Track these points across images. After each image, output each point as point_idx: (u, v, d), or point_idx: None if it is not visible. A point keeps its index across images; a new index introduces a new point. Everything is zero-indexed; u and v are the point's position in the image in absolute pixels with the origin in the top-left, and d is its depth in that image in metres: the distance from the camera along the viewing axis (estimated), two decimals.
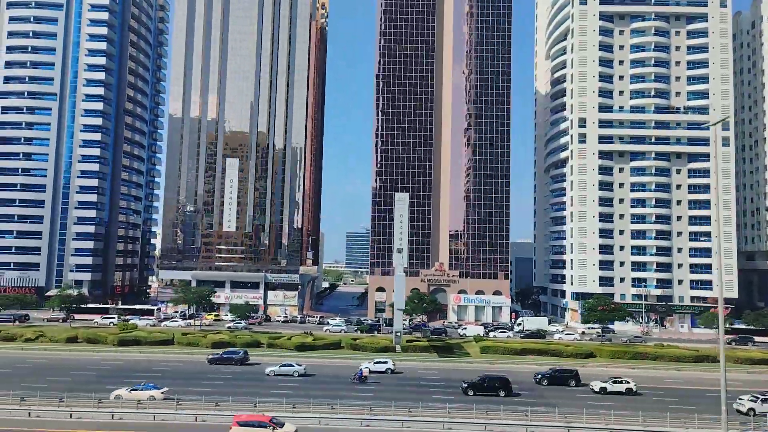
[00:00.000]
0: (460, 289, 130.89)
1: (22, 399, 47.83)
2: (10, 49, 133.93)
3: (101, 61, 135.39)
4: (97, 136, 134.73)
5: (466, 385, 57.39)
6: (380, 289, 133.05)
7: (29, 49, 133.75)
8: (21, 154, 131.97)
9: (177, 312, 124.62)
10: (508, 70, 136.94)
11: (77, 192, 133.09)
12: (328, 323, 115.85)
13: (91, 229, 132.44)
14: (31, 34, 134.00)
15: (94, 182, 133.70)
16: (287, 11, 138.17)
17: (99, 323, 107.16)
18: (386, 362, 68.55)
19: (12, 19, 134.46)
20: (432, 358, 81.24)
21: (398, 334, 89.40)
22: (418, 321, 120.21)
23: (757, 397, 52.83)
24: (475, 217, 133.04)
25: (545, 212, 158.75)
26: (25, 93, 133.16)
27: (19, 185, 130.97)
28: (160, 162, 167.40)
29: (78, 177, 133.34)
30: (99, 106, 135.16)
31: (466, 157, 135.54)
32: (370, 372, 64.57)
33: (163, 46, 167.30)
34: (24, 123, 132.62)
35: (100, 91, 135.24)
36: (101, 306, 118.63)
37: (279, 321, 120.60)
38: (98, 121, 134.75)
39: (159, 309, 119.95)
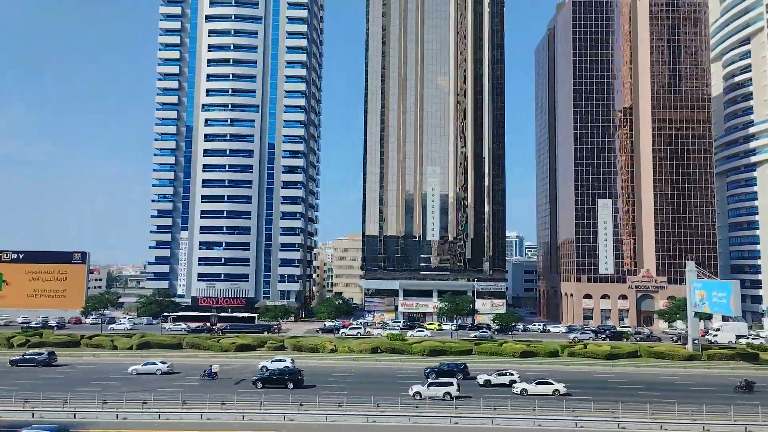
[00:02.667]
0: (669, 295, 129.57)
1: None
2: (211, 62, 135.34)
3: (301, 72, 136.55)
4: (300, 147, 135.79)
5: (255, 379, 59.37)
6: (587, 296, 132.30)
7: (231, 62, 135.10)
8: (227, 166, 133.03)
9: (382, 322, 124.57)
10: (708, 73, 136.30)
11: (282, 203, 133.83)
12: (557, 332, 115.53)
13: (297, 239, 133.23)
14: (232, 47, 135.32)
15: (299, 192, 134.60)
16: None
17: (347, 333, 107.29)
18: (284, 360, 69.28)
19: (212, 32, 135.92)
20: (743, 366, 79.95)
21: (696, 341, 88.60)
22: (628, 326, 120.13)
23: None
24: (680, 222, 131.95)
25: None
26: (229, 105, 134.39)
27: (226, 197, 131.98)
28: (319, 171, 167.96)
29: (282, 188, 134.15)
30: (300, 116, 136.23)
31: (664, 160, 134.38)
32: (268, 370, 65.92)
33: (321, 56, 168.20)
34: (228, 135, 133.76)
35: (301, 102, 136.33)
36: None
37: (496, 328, 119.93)
38: (300, 131, 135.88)
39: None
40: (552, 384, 57.52)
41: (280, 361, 69.35)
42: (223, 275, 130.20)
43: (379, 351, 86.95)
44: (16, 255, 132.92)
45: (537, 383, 57.84)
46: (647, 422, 45.54)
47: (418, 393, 53.70)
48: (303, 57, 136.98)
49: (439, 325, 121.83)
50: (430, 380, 55.93)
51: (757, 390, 59.95)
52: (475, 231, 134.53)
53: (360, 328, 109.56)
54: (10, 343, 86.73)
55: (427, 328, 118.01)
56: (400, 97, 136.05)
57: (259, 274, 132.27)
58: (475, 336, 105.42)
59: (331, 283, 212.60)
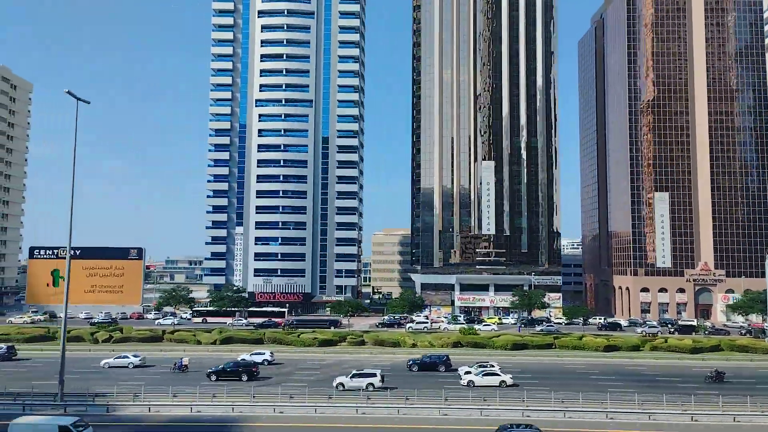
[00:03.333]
0: (728, 288, 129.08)
1: None
2: (264, 58, 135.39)
3: (354, 67, 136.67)
4: (354, 141, 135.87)
5: (210, 371, 59.09)
6: (644, 290, 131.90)
7: (284, 57, 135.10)
8: (281, 161, 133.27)
9: (442, 316, 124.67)
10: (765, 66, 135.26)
11: (337, 198, 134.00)
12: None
13: (353, 234, 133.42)
14: (285, 42, 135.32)
15: (354, 187, 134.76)
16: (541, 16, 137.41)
17: (413, 328, 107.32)
18: (263, 353, 69.98)
19: (264, 27, 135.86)
20: None
21: None
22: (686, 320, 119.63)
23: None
24: (737, 215, 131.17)
25: None
26: (283, 100, 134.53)
27: (281, 192, 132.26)
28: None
29: (337, 183, 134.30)
30: (354, 111, 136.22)
31: (721, 151, 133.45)
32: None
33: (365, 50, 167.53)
34: (283, 130, 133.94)
35: (355, 96, 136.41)
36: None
37: (561, 323, 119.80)
38: (354, 126, 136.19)
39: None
40: (499, 375, 57.63)
41: (259, 354, 69.36)
42: (279, 270, 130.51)
43: (460, 345, 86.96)
44: (73, 251, 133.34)
45: (484, 374, 57.89)
46: None
47: (342, 384, 53.69)
48: (356, 51, 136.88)
49: (499, 319, 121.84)
50: (354, 371, 56.41)
51: (727, 380, 60.30)
52: (530, 225, 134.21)
53: (426, 322, 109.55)
54: (94, 338, 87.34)
55: (489, 323, 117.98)
56: (453, 91, 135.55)
57: (315, 269, 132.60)
58: (542, 330, 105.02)
59: (369, 277, 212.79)
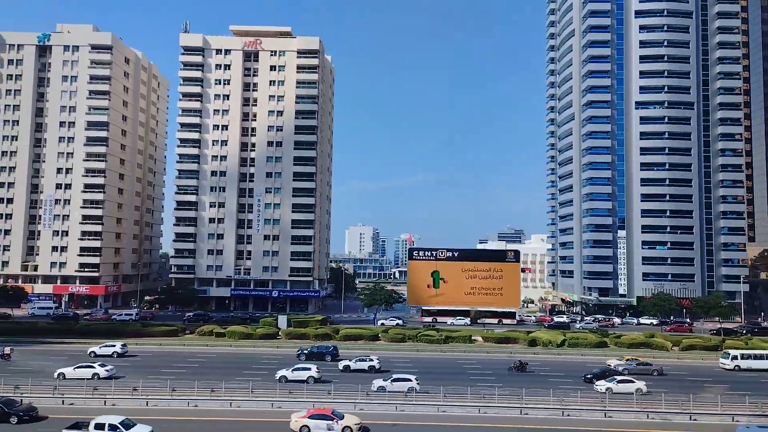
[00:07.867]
0: None
1: None
2: (643, 59, 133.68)
3: (735, 68, 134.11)
4: (739, 144, 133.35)
5: None
6: None
7: (665, 58, 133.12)
8: (666, 165, 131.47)
9: None
10: None
11: (720, 202, 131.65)
12: None
13: (741, 239, 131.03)
14: (665, 44, 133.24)
15: (735, 191, 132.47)
16: None
17: None
18: (114, 345, 69.56)
19: (643, 28, 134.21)
20: None
21: None
22: None
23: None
24: None
25: None
26: (665, 103, 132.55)
27: (668, 196, 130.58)
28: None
29: (720, 186, 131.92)
30: (735, 114, 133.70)
31: None
32: (96, 355, 66.87)
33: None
34: (667, 133, 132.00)
35: (737, 99, 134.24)
36: None
37: None
38: (737, 129, 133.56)
39: None
40: (371, 361, 62.83)
41: (109, 346, 69.46)
42: (670, 275, 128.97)
43: None
44: (450, 253, 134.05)
45: (357, 360, 63.77)
46: None
47: None
48: (737, 53, 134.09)
49: None
50: None
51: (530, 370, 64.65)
52: None
53: None
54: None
55: None
56: None
57: (702, 273, 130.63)
58: None
59: None
